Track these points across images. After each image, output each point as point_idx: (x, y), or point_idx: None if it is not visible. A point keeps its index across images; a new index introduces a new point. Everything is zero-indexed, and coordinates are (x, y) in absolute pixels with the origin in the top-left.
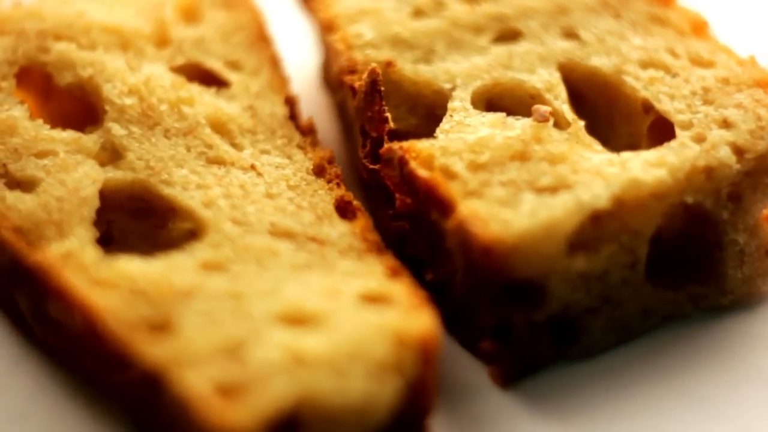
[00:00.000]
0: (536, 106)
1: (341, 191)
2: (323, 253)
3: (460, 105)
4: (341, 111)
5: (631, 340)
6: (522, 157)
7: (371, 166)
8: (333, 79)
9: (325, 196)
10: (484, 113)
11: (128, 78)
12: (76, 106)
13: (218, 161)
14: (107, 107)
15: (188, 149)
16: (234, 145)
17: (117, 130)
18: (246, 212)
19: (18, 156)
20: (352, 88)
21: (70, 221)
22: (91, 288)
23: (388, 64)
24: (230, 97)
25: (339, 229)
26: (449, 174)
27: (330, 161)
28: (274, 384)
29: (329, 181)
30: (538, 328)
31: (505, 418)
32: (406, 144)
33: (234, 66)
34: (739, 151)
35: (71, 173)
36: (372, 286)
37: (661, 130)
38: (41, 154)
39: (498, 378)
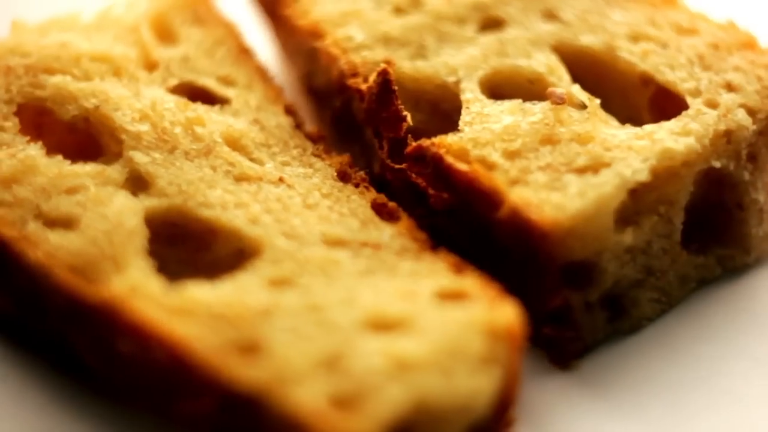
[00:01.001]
0: (551, 89)
1: (372, 194)
2: (381, 257)
3: (472, 96)
4: (339, 117)
5: (671, 308)
6: (551, 140)
7: (397, 166)
8: (328, 86)
9: (359, 200)
10: (500, 101)
11: (134, 104)
12: (71, 139)
13: (246, 178)
14: (123, 136)
15: (213, 169)
16: (254, 160)
17: (139, 157)
18: (293, 225)
19: (48, 195)
20: (359, 92)
21: (125, 253)
22: (169, 318)
23: (387, 63)
24: (234, 113)
25: (387, 232)
26: (488, 164)
27: (351, 165)
28: (387, 391)
29: (357, 185)
30: (593, 306)
31: (571, 399)
32: (435, 140)
33: (226, 81)
34: (751, 112)
35: (108, 206)
36: (444, 283)
37: (662, 102)
38: (71, 191)
39: (559, 361)
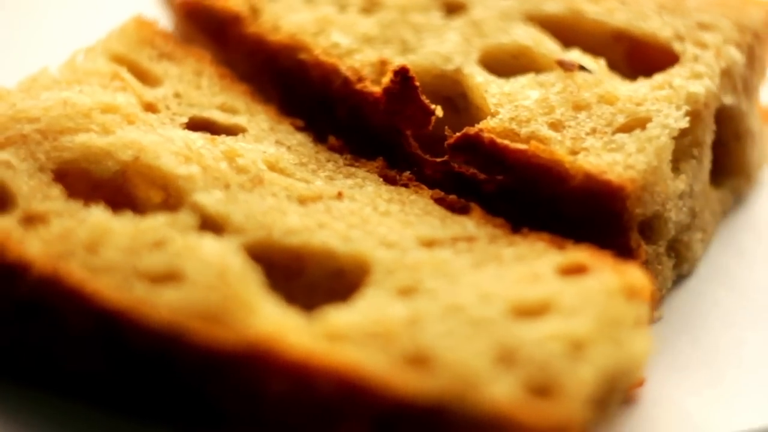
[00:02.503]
0: (560, 58)
1: (426, 191)
2: (479, 249)
3: (483, 79)
4: (345, 126)
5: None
6: (581, 106)
7: (438, 159)
8: (322, 97)
9: (421, 199)
10: (513, 78)
11: (171, 148)
12: (100, 195)
13: (309, 199)
14: (180, 182)
15: (275, 196)
16: (303, 180)
17: (204, 199)
18: (383, 235)
19: (138, 253)
20: (371, 96)
21: (249, 293)
22: (327, 347)
23: (383, 63)
24: (256, 138)
25: (468, 224)
26: (541, 139)
27: (388, 167)
28: (577, 371)
29: (406, 185)
30: (662, 257)
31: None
32: (479, 126)
33: (228, 110)
34: (738, 45)
35: (203, 251)
36: (558, 260)
37: (639, 54)
38: (159, 245)
39: None
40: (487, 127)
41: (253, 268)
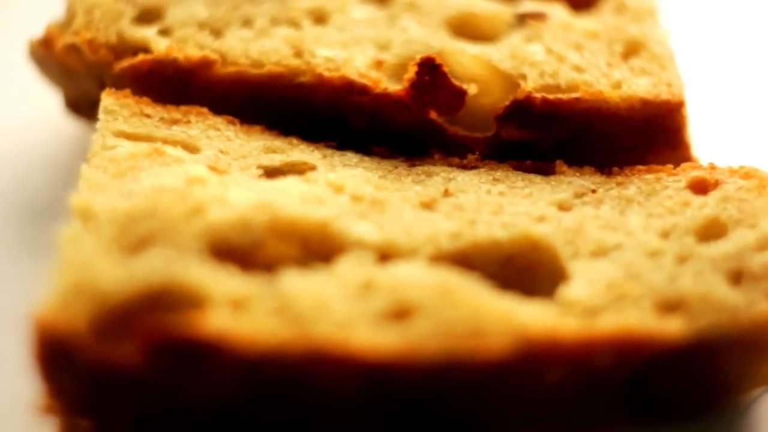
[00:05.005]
0: (524, 11)
1: (503, 165)
2: (607, 196)
3: (475, 50)
4: (352, 135)
5: None
6: (579, 46)
7: (489, 134)
8: (328, 113)
9: (508, 174)
10: (498, 42)
11: (289, 199)
12: None
13: (429, 204)
14: (332, 226)
15: (402, 210)
16: (404, 190)
17: (361, 232)
18: (528, 213)
19: (357, 301)
20: (397, 95)
21: (481, 299)
22: (589, 322)
23: (379, 63)
24: (329, 168)
25: (571, 180)
26: (580, 84)
27: (443, 157)
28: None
29: (476, 167)
30: None
31: None
32: (523, 90)
33: (275, 151)
34: None
35: (413, 278)
36: (682, 184)
37: None
38: (367, 287)
39: None
40: (527, 88)
41: (465, 275)
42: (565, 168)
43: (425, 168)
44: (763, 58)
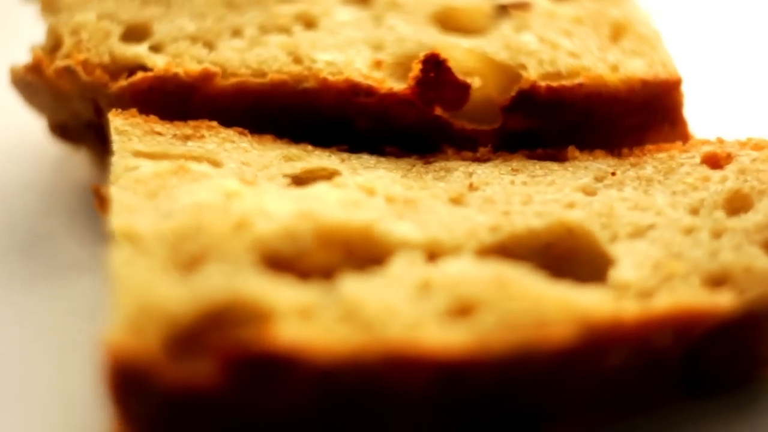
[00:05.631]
0: (506, 2)
1: (516, 155)
2: (627, 177)
3: (468, 44)
4: (357, 137)
5: None
6: (568, 32)
7: (496, 126)
8: (337, 116)
9: (524, 164)
10: (489, 34)
11: (327, 205)
12: None
13: (458, 199)
14: (374, 230)
15: (435, 208)
16: (430, 187)
17: (406, 233)
18: (558, 200)
19: (420, 301)
20: (402, 94)
21: (537, 288)
22: (647, 303)
23: (378, 64)
24: (353, 172)
25: (586, 164)
26: (580, 70)
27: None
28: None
29: (488, 160)
30: None
31: None
32: (527, 80)
33: (293, 159)
34: None
35: (466, 274)
36: (696, 159)
37: None
38: (425, 287)
39: None
40: (531, 77)
41: (514, 266)
42: (577, 153)
43: (441, 164)
44: (739, 32)
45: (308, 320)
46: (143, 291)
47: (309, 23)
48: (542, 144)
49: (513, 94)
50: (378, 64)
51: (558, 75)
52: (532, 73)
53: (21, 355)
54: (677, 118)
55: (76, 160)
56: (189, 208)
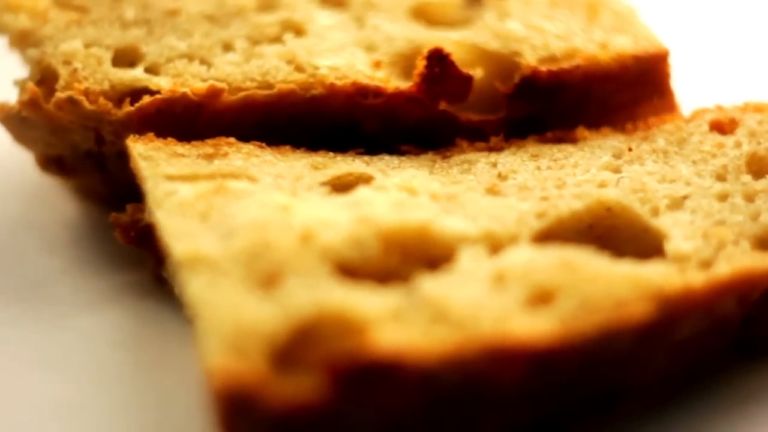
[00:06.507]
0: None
1: (527, 140)
2: (644, 152)
3: (458, 36)
4: (366, 140)
5: None
6: (549, 17)
7: (501, 115)
8: (350, 118)
9: (542, 148)
10: (473, 25)
11: (377, 208)
12: None
13: (493, 189)
14: (432, 229)
15: (477, 199)
16: (460, 181)
17: (460, 228)
18: (591, 180)
19: (498, 292)
20: (409, 91)
21: (603, 267)
22: (711, 272)
23: (377, 64)
24: (384, 175)
25: (600, 143)
26: (574, 51)
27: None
28: None
29: (501, 149)
30: None
31: None
32: (527, 65)
33: (319, 167)
34: None
35: (531, 262)
36: (705, 127)
37: None
38: (500, 279)
39: None
40: (531, 63)
41: (572, 249)
42: (586, 133)
43: (461, 157)
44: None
45: (401, 324)
46: (233, 312)
47: (298, 30)
48: (542, 128)
49: (516, 81)
50: (377, 65)
51: (553, 59)
52: (530, 59)
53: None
54: (665, 89)
55: (53, 194)
56: (249, 226)
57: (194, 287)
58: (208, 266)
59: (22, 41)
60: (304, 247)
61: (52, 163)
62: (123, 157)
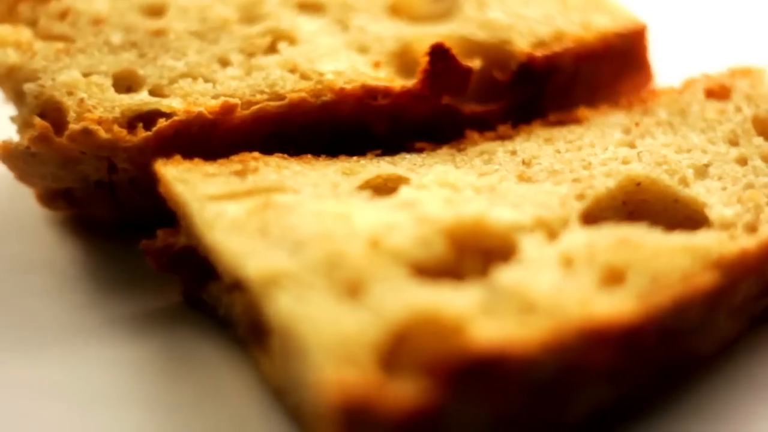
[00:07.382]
0: None
1: (534, 125)
2: (652, 124)
3: (446, 30)
4: (375, 142)
5: None
6: (529, 3)
7: (503, 102)
8: (354, 125)
9: (553, 132)
10: (451, 18)
11: (432, 205)
12: None
13: (522, 177)
14: (491, 221)
15: (511, 188)
16: (489, 173)
17: (508, 218)
18: (614, 157)
19: (574, 277)
20: (415, 89)
21: (661, 242)
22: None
23: (377, 65)
24: (418, 175)
25: (607, 121)
26: (564, 34)
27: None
28: None
29: (510, 137)
30: None
31: None
32: (522, 52)
33: (348, 173)
34: None
35: (590, 243)
36: (701, 95)
37: None
38: (568, 262)
39: None
40: (525, 50)
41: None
42: (587, 113)
43: (476, 149)
44: None
45: (493, 318)
46: (332, 323)
47: (290, 39)
48: (537, 113)
49: (513, 69)
50: (377, 65)
51: (543, 43)
52: (522, 46)
53: None
54: (644, 63)
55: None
56: (315, 237)
57: (283, 303)
58: (291, 281)
59: (11, 77)
60: (375, 253)
61: (59, 197)
62: (136, 183)
